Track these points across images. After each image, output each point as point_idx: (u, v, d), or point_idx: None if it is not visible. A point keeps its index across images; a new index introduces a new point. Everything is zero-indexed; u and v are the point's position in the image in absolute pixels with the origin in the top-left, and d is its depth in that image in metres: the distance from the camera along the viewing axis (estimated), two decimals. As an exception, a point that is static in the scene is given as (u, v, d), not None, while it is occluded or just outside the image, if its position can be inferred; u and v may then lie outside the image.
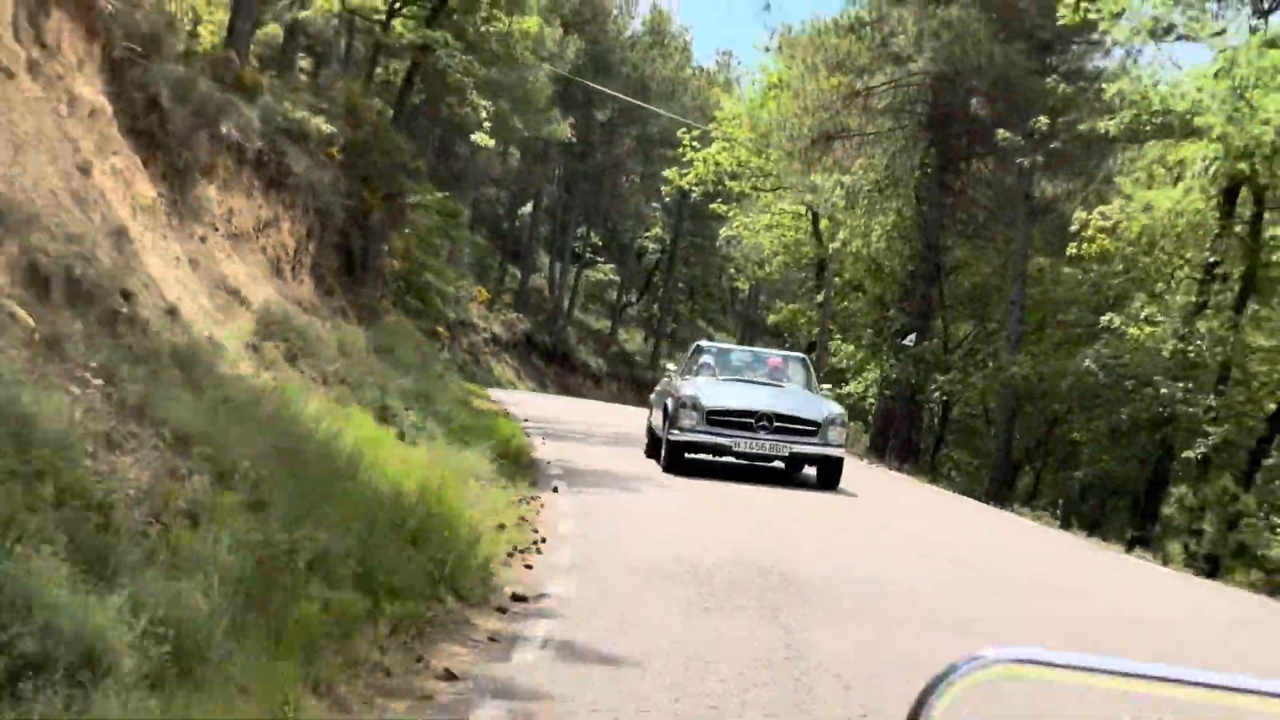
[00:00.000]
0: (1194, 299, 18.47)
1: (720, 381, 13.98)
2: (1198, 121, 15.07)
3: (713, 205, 40.54)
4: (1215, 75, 14.84)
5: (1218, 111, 14.42)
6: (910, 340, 25.19)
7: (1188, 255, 19.64)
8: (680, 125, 41.71)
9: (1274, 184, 16.24)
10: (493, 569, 6.49)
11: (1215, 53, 15.58)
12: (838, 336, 31.70)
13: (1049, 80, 19.19)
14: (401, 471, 7.56)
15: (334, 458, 6.71)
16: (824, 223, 32.08)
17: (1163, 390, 17.42)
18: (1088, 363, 19.09)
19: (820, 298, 32.33)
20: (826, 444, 13.02)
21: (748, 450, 13.03)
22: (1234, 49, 15.04)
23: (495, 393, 27.55)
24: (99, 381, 5.42)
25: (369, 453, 7.54)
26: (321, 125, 14.64)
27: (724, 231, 42.89)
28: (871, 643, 5.91)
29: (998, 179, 24.01)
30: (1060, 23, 18.32)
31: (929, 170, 24.20)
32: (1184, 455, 17.41)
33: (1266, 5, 19.11)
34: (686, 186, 39.06)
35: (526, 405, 22.99)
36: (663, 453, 13.36)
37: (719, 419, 12.93)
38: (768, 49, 31.57)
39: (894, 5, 21.40)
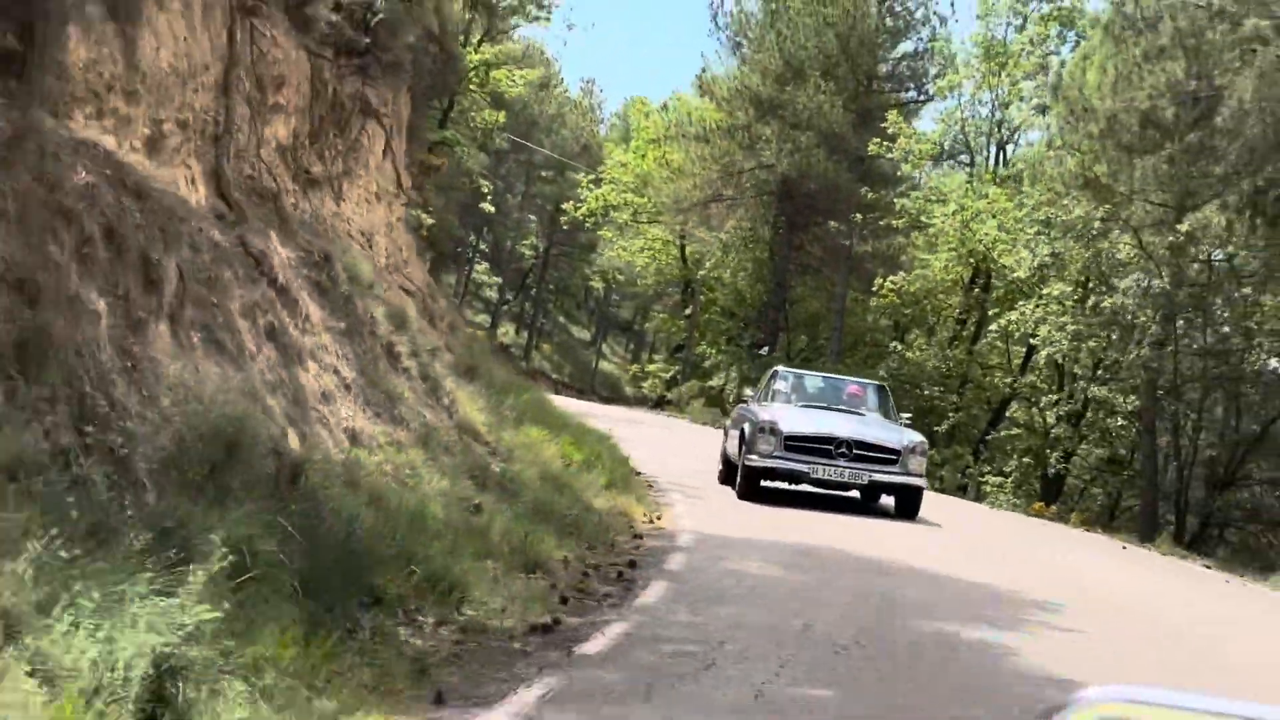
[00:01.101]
0: (949, 334, 29.20)
1: (799, 407, 13.87)
2: (942, 238, 25.68)
3: (600, 231, 50.11)
4: (952, 213, 25.43)
5: (952, 234, 24.99)
6: (764, 351, 35.36)
7: (949, 303, 30.33)
8: (557, 155, 51.44)
9: (992, 270, 26.98)
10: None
11: (952, 194, 26.30)
12: (703, 343, 41.79)
13: (863, 189, 29.60)
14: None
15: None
16: (689, 249, 42.15)
17: (927, 391, 27.96)
18: (882, 371, 29.50)
19: (688, 311, 42.53)
20: (907, 473, 12.72)
21: (826, 478, 12.73)
22: (961, 196, 25.69)
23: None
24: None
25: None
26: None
27: (606, 253, 52.67)
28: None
29: (828, 240, 34.31)
30: (870, 152, 28.66)
31: (780, 231, 34.33)
32: (936, 430, 28.05)
33: (1003, 140, 30.02)
34: (580, 217, 48.54)
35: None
36: (738, 479, 13.18)
37: (797, 445, 12.65)
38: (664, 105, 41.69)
39: (761, 125, 31.42)
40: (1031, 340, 24.64)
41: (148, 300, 5.24)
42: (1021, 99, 29.45)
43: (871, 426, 13.26)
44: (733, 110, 32.57)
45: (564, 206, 49.96)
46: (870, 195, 29.37)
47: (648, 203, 43.17)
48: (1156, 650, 6.99)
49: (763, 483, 12.85)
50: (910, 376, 29.01)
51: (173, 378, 5.13)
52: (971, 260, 26.81)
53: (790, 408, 13.71)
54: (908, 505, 12.96)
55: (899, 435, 13.02)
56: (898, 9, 31.94)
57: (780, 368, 16.55)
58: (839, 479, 12.71)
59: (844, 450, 12.57)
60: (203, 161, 6.94)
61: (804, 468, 12.57)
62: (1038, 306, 23.03)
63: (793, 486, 13.15)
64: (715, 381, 40.03)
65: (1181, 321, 21.34)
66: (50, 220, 4.60)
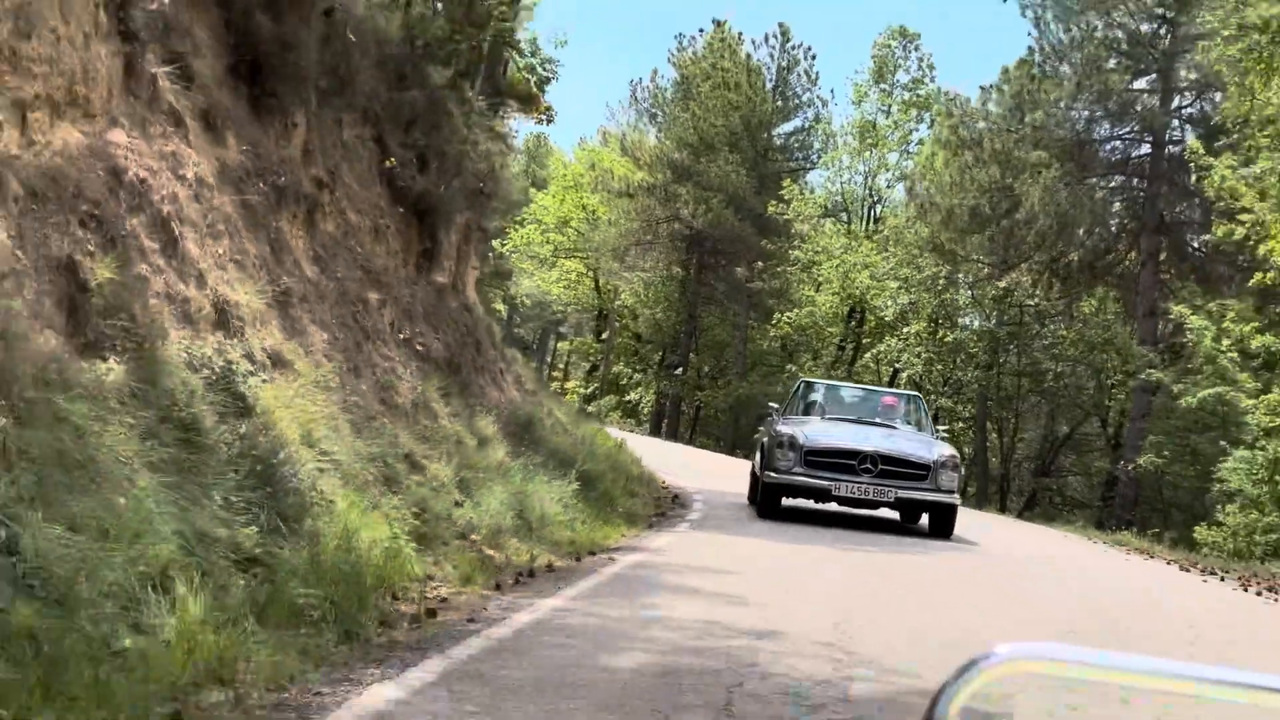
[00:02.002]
0: (831, 358, 36.51)
1: (824, 420, 13.30)
2: (825, 285, 33.07)
3: (518, 263, 56.52)
4: (835, 266, 32.81)
5: (834, 280, 32.38)
6: (678, 370, 42.36)
7: (831, 332, 37.67)
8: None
9: (866, 308, 34.44)
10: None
11: (835, 249, 33.69)
12: (620, 363, 48.68)
13: (762, 241, 36.80)
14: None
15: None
16: (603, 282, 49.02)
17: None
18: (780, 389, 36.66)
19: (604, 335, 49.40)
20: (937, 489, 11.96)
21: (849, 495, 11.98)
22: (841, 251, 33.11)
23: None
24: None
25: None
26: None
27: (523, 281, 59.16)
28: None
29: (732, 280, 41.42)
30: (769, 212, 35.84)
31: (690, 271, 41.36)
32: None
33: (872, 203, 37.58)
34: (505, 253, 54.97)
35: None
36: (758, 495, 12.86)
37: (819, 460, 12.00)
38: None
39: (677, 185, 38.41)
40: (896, 365, 31.91)
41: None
42: (887, 170, 37.22)
43: (900, 440, 12.57)
44: (653, 172, 39.56)
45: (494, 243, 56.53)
46: (768, 245, 36.57)
47: (565, 240, 49.95)
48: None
49: (785, 500, 12.42)
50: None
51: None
52: (849, 300, 34.23)
53: (814, 421, 13.18)
54: (940, 524, 12.18)
55: (929, 449, 12.26)
56: (788, 94, 39.34)
57: (808, 379, 16.32)
58: (863, 496, 11.90)
59: (869, 465, 11.84)
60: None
61: (826, 484, 11.90)
62: (901, 339, 30.41)
63: (818, 505, 12.82)
64: (632, 396, 47.01)
65: (1003, 350, 28.97)
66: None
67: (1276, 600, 10.30)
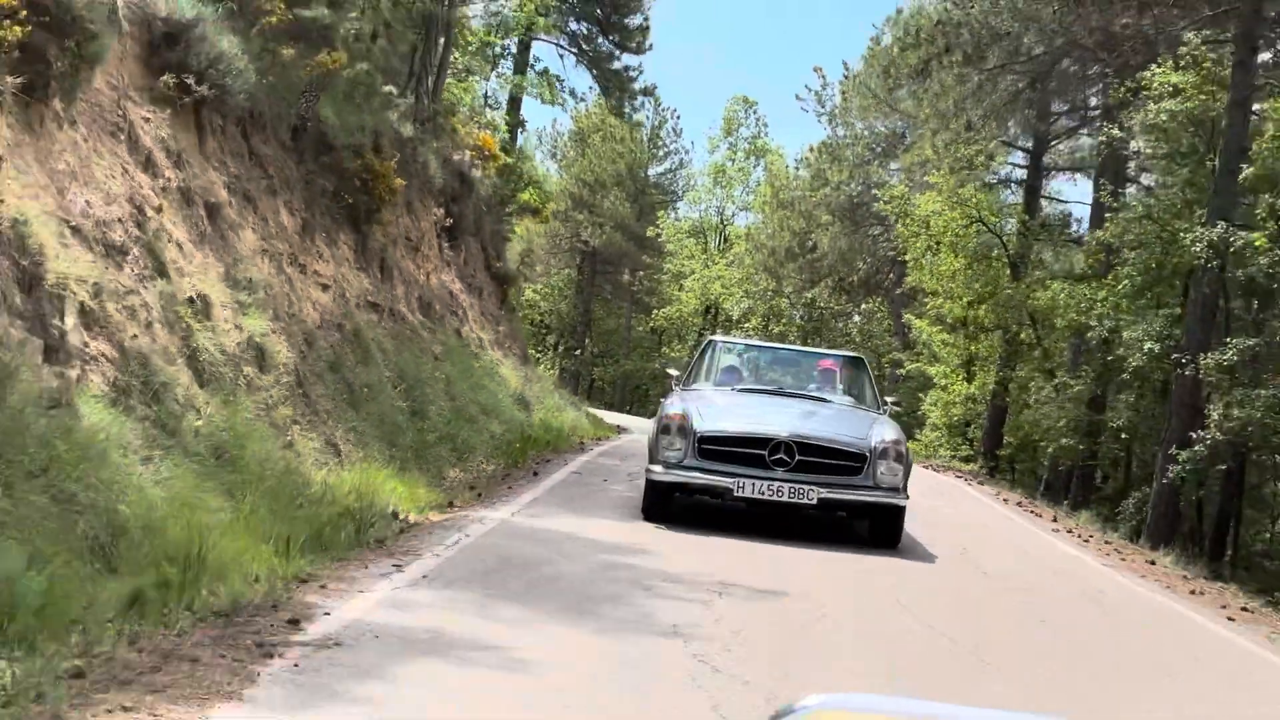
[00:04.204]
0: (693, 342, 49.45)
1: (732, 393, 10.16)
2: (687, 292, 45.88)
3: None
4: (696, 277, 45.59)
5: (696, 287, 45.17)
6: (578, 352, 54.77)
7: (694, 324, 50.47)
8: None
9: (719, 309, 47.35)
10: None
11: (697, 264, 46.46)
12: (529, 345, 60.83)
13: (643, 256, 49.36)
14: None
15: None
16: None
17: (683, 377, 48.17)
18: (658, 365, 49.26)
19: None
20: (875, 486, 8.95)
21: (755, 495, 8.84)
22: (701, 268, 45.90)
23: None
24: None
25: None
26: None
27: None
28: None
29: (619, 283, 53.87)
30: (648, 235, 48.39)
31: (585, 274, 53.73)
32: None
33: (723, 230, 50.49)
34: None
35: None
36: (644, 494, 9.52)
37: (716, 449, 9.05)
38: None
39: (576, 213, 50.59)
40: (711, 336, 44.87)
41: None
42: (733, 203, 50.29)
43: (826, 420, 9.65)
44: (558, 202, 51.73)
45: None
46: (646, 259, 49.18)
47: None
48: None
49: (676, 498, 9.41)
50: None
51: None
52: (705, 301, 47.10)
53: (716, 394, 10.20)
54: (882, 530, 9.23)
55: (865, 430, 9.31)
56: (659, 143, 51.93)
57: (717, 336, 12.23)
58: (774, 497, 8.83)
59: (782, 456, 8.92)
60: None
61: (726, 481, 8.91)
62: (743, 332, 43.31)
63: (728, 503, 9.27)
64: (539, 371, 59.40)
65: (811, 339, 42.04)
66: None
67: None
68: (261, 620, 5.34)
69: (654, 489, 9.43)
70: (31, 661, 4.21)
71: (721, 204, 51.10)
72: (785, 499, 8.93)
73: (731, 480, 8.99)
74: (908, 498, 9.36)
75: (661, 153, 52.02)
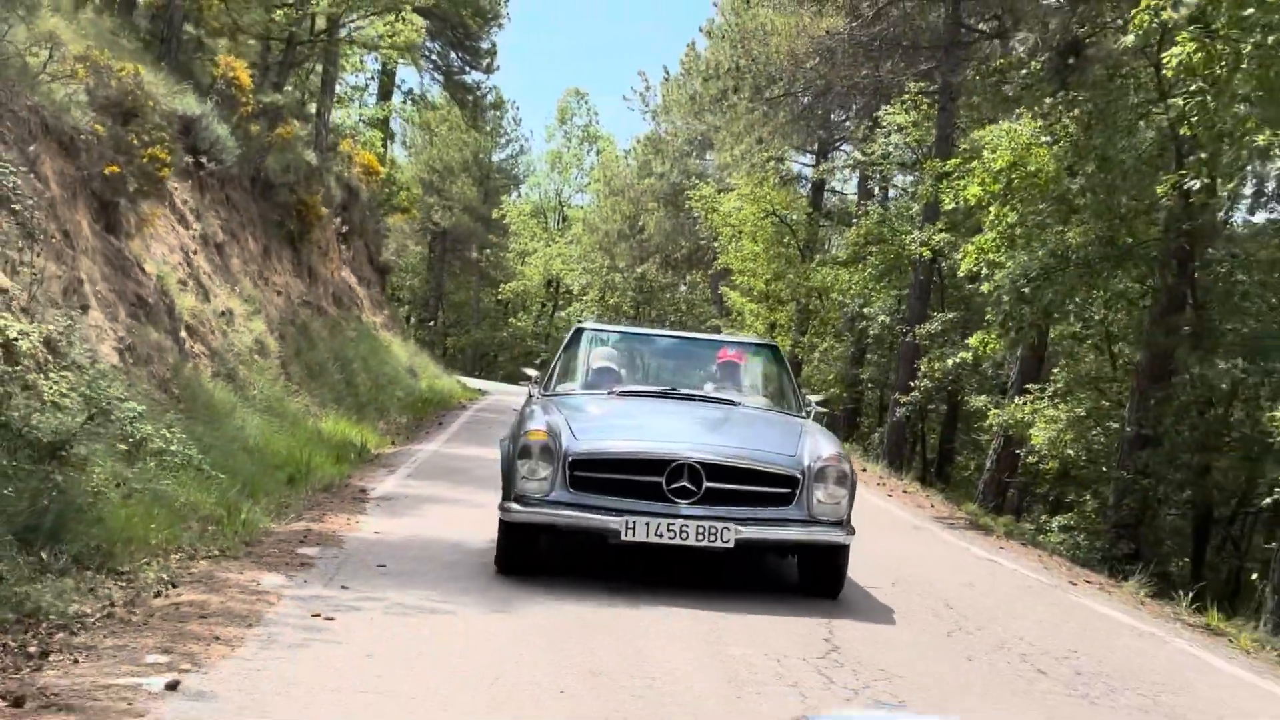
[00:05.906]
0: (536, 314, 54.63)
1: (609, 399, 7.73)
2: (531, 269, 51.16)
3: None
4: (538, 254, 50.86)
5: (539, 264, 50.38)
6: (431, 323, 59.40)
7: (538, 297, 55.66)
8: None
9: (560, 282, 52.62)
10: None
11: (539, 244, 51.69)
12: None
13: (489, 236, 54.28)
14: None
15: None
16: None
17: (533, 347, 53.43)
18: (506, 334, 54.33)
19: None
20: (811, 520, 6.76)
21: (651, 538, 6.56)
22: (543, 246, 51.11)
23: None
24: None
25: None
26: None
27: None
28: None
29: (469, 260, 58.49)
30: (494, 216, 53.34)
31: (436, 251, 58.38)
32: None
33: (562, 210, 55.75)
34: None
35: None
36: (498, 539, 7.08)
37: (595, 476, 6.74)
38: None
39: (429, 197, 55.12)
40: (580, 323, 50.40)
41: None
42: (570, 185, 55.62)
43: (741, 431, 7.31)
44: (414, 187, 56.20)
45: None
46: (492, 239, 54.18)
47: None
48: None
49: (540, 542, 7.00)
50: (518, 339, 54.05)
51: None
52: (549, 276, 52.37)
53: (590, 401, 7.67)
54: (821, 575, 7.08)
55: (793, 446, 6.97)
56: (500, 133, 56.79)
57: (587, 323, 9.29)
58: (677, 540, 6.53)
59: (686, 484, 6.63)
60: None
61: (610, 520, 6.56)
62: (582, 305, 48.78)
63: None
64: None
65: (641, 311, 47.75)
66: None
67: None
68: (348, 490, 10.62)
69: (510, 534, 6.93)
70: (258, 504, 9.36)
71: (559, 187, 56.44)
72: (691, 542, 6.52)
73: (618, 519, 6.55)
74: (853, 532, 6.92)
75: (504, 140, 56.94)
